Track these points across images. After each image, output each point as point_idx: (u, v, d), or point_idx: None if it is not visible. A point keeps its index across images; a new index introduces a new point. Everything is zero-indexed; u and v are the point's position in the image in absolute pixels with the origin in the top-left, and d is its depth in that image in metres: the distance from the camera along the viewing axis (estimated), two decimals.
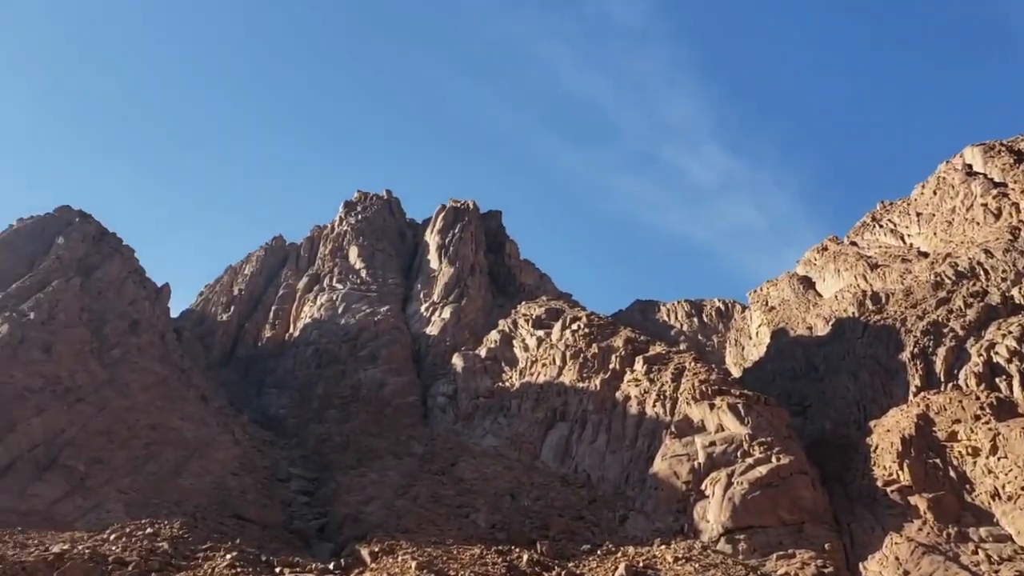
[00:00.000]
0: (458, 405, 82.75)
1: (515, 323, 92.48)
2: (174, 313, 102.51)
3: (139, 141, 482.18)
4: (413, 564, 41.72)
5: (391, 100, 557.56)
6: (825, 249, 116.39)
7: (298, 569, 42.67)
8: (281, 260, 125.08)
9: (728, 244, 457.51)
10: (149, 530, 45.98)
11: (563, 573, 42.76)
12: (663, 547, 47.69)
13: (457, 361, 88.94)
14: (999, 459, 48.49)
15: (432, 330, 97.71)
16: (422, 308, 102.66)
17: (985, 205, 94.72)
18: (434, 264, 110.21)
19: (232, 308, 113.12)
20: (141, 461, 59.18)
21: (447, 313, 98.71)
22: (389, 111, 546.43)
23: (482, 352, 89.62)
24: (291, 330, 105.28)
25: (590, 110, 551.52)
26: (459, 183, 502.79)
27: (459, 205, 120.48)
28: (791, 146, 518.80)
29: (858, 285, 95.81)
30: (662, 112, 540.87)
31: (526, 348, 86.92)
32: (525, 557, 44.93)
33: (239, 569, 40.81)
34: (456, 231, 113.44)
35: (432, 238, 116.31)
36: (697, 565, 44.20)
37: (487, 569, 42.78)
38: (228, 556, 42.49)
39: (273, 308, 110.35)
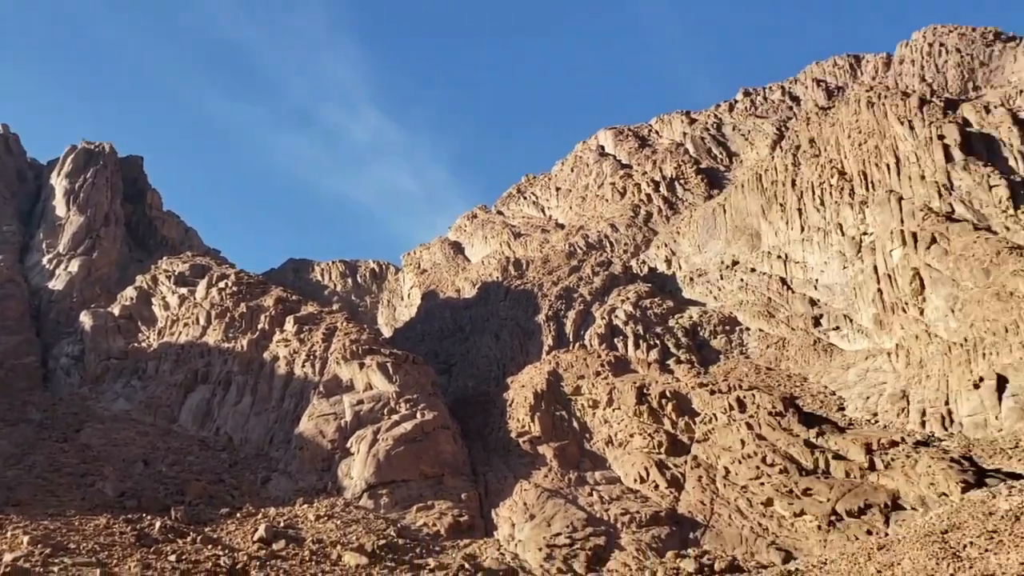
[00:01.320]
0: (85, 367, 75.25)
1: (155, 279, 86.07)
2: None
3: None
4: (25, 539, 37.26)
5: (16, 22, 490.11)
6: (475, 216, 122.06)
7: None
8: None
9: (384, 207, 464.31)
10: None
11: (199, 538, 40.65)
12: (305, 506, 47.25)
13: (85, 319, 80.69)
14: (614, 410, 54.16)
15: (56, 284, 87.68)
16: (44, 260, 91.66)
17: (613, 184, 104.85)
18: (60, 211, 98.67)
19: None
20: None
21: (75, 266, 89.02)
22: (12, 35, 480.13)
23: (115, 310, 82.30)
24: None
25: (247, 59, 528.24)
26: (94, 124, 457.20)
27: (93, 147, 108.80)
28: (446, 117, 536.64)
29: (503, 252, 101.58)
30: (321, 70, 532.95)
31: (167, 306, 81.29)
32: (157, 524, 42.11)
33: None
34: (89, 176, 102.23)
35: (59, 182, 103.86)
36: (339, 522, 44.33)
37: (114, 539, 39.49)
38: None
39: None
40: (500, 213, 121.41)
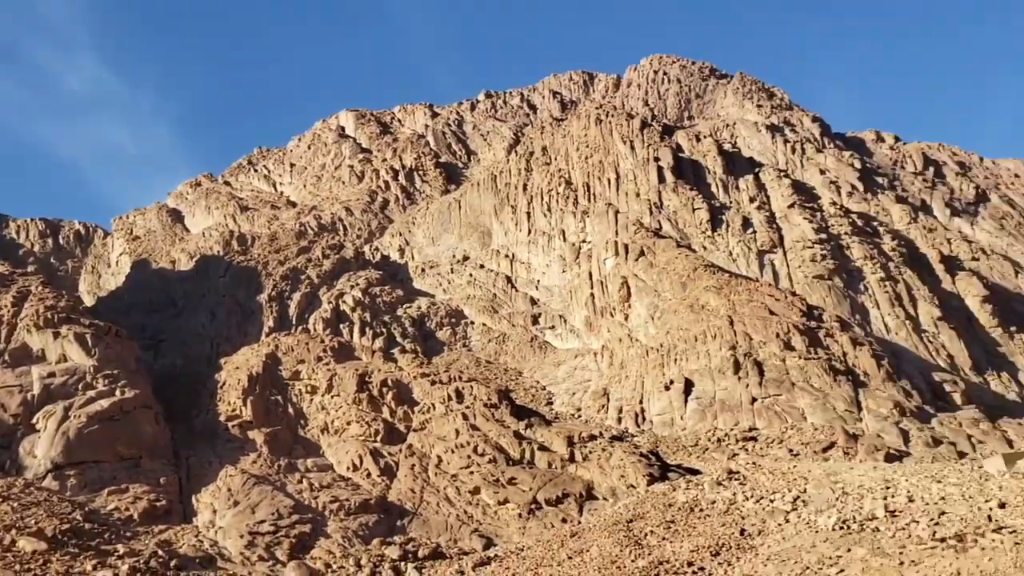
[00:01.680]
0: None
1: None
2: None
3: None
4: None
5: None
6: (199, 184, 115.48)
7: None
8: None
9: (96, 164, 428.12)
10: None
11: None
12: None
13: None
14: (333, 397, 53.48)
15: None
16: None
17: (352, 167, 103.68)
18: None
19: None
20: None
21: None
22: None
23: None
24: None
25: None
26: None
27: None
28: (175, 75, 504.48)
29: (227, 224, 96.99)
30: (32, 2, 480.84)
31: None
32: None
33: None
34: None
35: None
36: (16, 504, 39.98)
37: None
38: None
39: None
40: (227, 184, 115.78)
